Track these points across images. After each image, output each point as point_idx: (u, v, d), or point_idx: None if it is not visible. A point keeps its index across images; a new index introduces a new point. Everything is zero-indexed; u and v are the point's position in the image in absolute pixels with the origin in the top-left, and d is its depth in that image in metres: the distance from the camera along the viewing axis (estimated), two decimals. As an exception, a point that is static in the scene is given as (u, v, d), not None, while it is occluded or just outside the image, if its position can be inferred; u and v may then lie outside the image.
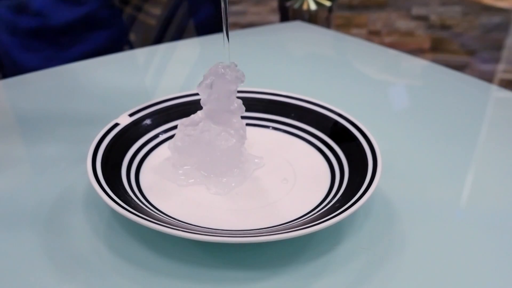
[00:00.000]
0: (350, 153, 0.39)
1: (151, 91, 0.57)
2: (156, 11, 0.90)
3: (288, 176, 0.38)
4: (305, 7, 0.87)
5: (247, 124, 0.39)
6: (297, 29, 0.79)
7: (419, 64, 0.67)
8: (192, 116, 0.37)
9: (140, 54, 0.68)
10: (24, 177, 0.40)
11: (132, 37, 0.90)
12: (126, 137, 0.39)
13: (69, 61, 0.67)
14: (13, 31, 0.79)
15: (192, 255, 0.32)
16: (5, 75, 0.84)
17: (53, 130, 0.46)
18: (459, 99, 0.56)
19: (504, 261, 0.33)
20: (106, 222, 0.35)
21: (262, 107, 0.44)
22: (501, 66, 1.53)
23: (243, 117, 0.38)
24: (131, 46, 0.90)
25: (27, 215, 0.35)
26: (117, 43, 0.87)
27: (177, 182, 0.37)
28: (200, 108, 0.44)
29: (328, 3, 0.88)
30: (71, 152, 0.42)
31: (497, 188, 0.40)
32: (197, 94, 0.44)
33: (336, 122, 0.41)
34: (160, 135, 0.41)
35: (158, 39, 0.91)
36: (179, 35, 0.90)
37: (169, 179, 0.37)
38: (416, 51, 1.64)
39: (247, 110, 0.38)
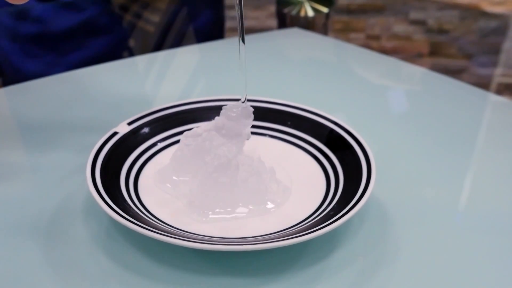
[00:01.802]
0: (345, 161, 0.39)
1: (151, 98, 0.57)
2: (156, 18, 0.90)
3: (284, 184, 0.39)
4: (302, 13, 0.88)
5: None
6: (294, 35, 0.79)
7: (416, 71, 0.68)
8: (195, 128, 0.38)
9: (140, 61, 0.69)
10: (24, 185, 0.41)
11: (132, 43, 0.91)
12: (124, 146, 0.40)
13: (69, 66, 0.67)
14: (13, 37, 0.80)
15: (190, 262, 0.33)
16: (5, 81, 0.85)
17: (53, 138, 0.47)
18: (455, 105, 0.56)
19: (500, 266, 0.33)
20: (105, 230, 0.35)
21: (259, 115, 0.45)
22: (498, 70, 1.54)
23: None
24: (131, 52, 0.90)
25: (26, 222, 0.36)
26: (117, 49, 0.88)
27: (172, 193, 0.37)
28: (199, 116, 0.44)
29: (325, 10, 0.88)
30: (71, 160, 0.43)
31: (492, 193, 0.41)
32: (195, 102, 0.45)
33: (332, 130, 0.42)
34: (158, 143, 0.42)
35: (158, 46, 0.91)
36: (178, 42, 0.91)
37: (166, 190, 0.38)
38: (414, 55, 1.65)
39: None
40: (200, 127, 0.38)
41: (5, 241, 0.34)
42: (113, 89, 0.58)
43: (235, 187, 0.35)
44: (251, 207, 0.36)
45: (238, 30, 0.35)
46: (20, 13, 0.78)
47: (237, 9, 0.35)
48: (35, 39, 0.79)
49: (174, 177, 0.38)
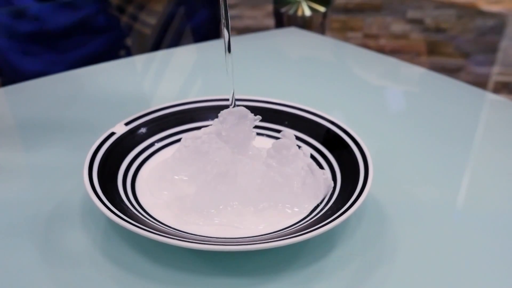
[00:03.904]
0: (342, 161, 0.39)
1: (149, 98, 0.57)
2: (152, 20, 0.91)
3: (281, 183, 0.39)
4: (299, 12, 0.88)
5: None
6: (291, 35, 0.79)
7: (413, 70, 0.68)
8: (196, 131, 0.38)
9: (138, 61, 0.69)
10: (21, 185, 0.41)
11: (129, 42, 0.91)
12: (122, 146, 0.40)
13: (67, 65, 0.67)
14: (11, 35, 0.80)
15: (187, 262, 0.33)
16: (3, 80, 0.85)
17: (50, 138, 0.47)
18: (453, 104, 0.56)
19: (497, 264, 0.33)
20: (103, 230, 0.35)
21: (256, 115, 0.45)
22: (496, 69, 1.54)
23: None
24: (128, 51, 0.90)
25: (23, 222, 0.36)
26: (114, 47, 0.88)
27: (170, 193, 0.37)
28: (197, 116, 0.44)
29: (322, 9, 0.89)
30: (69, 160, 0.43)
31: (490, 192, 0.41)
32: (192, 102, 0.45)
33: (329, 129, 0.42)
34: (156, 144, 0.42)
35: (156, 46, 0.92)
36: (176, 41, 0.91)
37: (164, 190, 0.38)
38: (412, 54, 1.65)
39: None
40: (200, 130, 0.38)
41: (1, 242, 0.34)
42: (111, 89, 0.58)
43: (233, 192, 0.36)
44: (248, 208, 0.36)
45: (223, 27, 0.36)
46: (18, 11, 0.78)
47: (222, 6, 0.35)
48: (33, 37, 0.79)
49: (171, 178, 0.38)
